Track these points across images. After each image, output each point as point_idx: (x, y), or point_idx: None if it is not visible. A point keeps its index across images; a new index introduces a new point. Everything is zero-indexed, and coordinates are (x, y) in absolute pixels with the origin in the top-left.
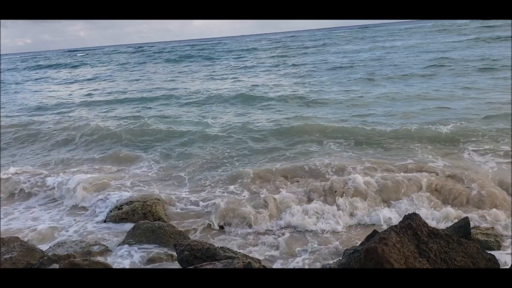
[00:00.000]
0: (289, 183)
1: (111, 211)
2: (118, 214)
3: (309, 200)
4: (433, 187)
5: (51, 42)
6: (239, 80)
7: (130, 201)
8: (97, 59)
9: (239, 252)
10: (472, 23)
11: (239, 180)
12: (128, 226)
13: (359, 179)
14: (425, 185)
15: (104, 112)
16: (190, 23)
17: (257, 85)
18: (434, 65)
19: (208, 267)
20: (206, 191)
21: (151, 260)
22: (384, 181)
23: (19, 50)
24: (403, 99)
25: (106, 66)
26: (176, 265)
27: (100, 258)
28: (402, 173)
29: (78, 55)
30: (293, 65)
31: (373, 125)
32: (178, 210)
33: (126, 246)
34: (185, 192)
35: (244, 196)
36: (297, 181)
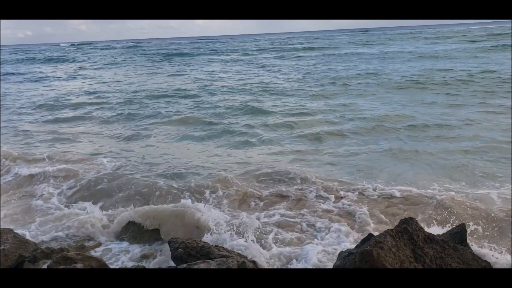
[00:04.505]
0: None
1: None
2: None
3: None
4: None
5: (52, 35)
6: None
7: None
8: (82, 55)
9: (234, 251)
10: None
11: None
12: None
13: None
14: None
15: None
16: (192, 20)
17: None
18: None
19: (202, 265)
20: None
21: (144, 256)
22: None
23: (19, 42)
24: None
25: (86, 62)
26: (169, 262)
27: (93, 253)
28: None
29: (66, 49)
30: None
31: None
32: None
33: (120, 241)
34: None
35: None
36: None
